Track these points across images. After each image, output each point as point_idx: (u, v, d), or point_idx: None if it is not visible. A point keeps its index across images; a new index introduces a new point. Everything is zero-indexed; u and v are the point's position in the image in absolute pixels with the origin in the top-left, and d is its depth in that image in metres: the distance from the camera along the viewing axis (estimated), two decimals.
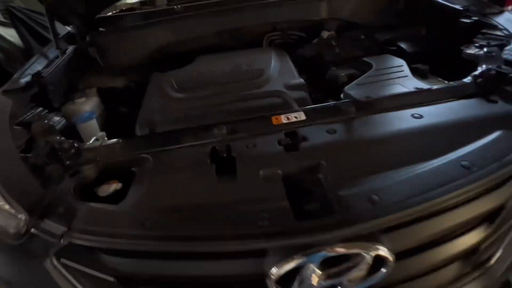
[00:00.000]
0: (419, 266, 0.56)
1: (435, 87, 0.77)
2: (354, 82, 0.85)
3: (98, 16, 1.17)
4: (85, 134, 0.88)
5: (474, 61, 0.86)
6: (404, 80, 0.83)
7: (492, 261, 0.63)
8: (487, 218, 0.57)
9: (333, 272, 0.48)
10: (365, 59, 1.02)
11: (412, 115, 0.67)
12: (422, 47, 1.11)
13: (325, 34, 1.27)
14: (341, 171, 0.56)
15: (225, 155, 0.65)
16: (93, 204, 0.56)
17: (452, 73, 0.96)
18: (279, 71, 1.01)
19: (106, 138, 0.79)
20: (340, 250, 0.46)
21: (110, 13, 1.21)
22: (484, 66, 0.79)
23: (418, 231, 0.52)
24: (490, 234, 0.58)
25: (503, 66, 0.76)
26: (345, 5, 1.27)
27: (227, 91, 0.92)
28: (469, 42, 0.98)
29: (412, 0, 1.22)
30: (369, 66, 0.95)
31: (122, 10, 1.23)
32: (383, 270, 0.49)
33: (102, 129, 0.91)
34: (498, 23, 0.93)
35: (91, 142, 0.75)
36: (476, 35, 0.98)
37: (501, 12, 0.98)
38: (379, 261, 0.48)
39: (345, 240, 0.46)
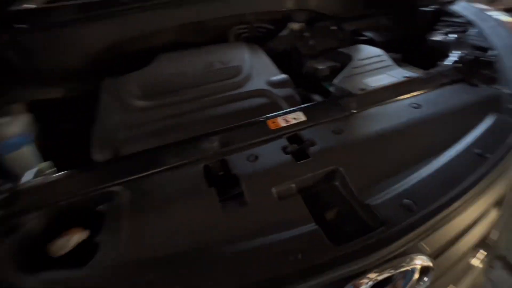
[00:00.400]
0: (449, 261, 0.53)
1: (422, 75, 0.76)
2: (341, 74, 0.80)
3: (14, 8, 0.89)
4: (18, 167, 0.65)
5: (440, 48, 0.89)
6: (390, 69, 0.81)
7: (495, 239, 0.65)
8: (498, 202, 0.58)
9: None
10: (342, 50, 0.99)
11: (411, 105, 0.65)
12: (389, 36, 1.13)
13: (294, 25, 1.21)
14: (360, 175, 0.50)
15: (222, 173, 0.54)
16: (46, 275, 0.39)
17: (419, 60, 1.00)
18: (257, 67, 0.91)
19: (54, 169, 0.59)
20: (390, 272, 0.40)
21: (34, 5, 0.94)
22: (456, 52, 0.82)
23: (451, 229, 0.49)
24: (499, 216, 0.59)
25: (471, 51, 0.80)
26: None
27: (203, 94, 0.78)
28: (431, 30, 1.03)
29: None
30: (348, 57, 0.92)
31: (50, 1, 0.96)
32: (426, 279, 0.45)
33: (44, 157, 0.69)
34: (455, 11, 0.98)
35: (30, 177, 0.55)
36: (436, 23, 1.03)
37: (454, 1, 1.04)
38: (422, 270, 0.44)
39: (390, 259, 0.40)
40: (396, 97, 0.67)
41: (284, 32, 1.21)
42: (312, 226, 0.42)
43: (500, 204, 0.58)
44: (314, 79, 0.97)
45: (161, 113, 0.72)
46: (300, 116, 0.63)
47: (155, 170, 0.53)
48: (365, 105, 0.65)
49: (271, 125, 0.61)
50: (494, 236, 0.65)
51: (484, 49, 0.80)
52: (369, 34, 1.17)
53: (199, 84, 0.82)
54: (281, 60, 1.08)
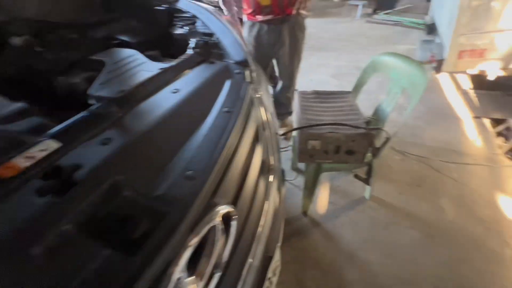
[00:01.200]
0: (246, 199, 0.67)
1: (174, 63, 0.85)
2: (95, 83, 0.73)
3: None
4: None
5: (183, 39, 1.05)
6: (145, 65, 0.84)
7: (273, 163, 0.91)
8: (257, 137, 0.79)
9: (202, 268, 0.45)
10: (93, 57, 0.90)
11: (171, 92, 0.71)
12: (142, 36, 1.17)
13: (17, 40, 0.94)
14: (143, 173, 0.49)
15: None
16: None
17: (173, 52, 1.12)
18: None
19: None
20: (195, 240, 0.43)
21: None
22: (193, 40, 0.99)
23: (233, 174, 0.60)
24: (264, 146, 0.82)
25: (203, 37, 0.99)
26: (28, 1, 0.98)
27: None
28: (172, 25, 1.17)
29: None
30: (101, 63, 0.86)
31: None
32: (233, 222, 0.53)
33: None
34: (181, 8, 1.17)
35: None
36: (173, 19, 1.19)
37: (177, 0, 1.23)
38: (225, 218, 0.52)
39: (194, 230, 0.43)
40: (156, 88, 0.71)
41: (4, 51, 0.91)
42: (103, 256, 0.36)
43: (258, 138, 0.80)
44: (73, 96, 0.83)
45: None
46: (52, 145, 0.51)
47: None
48: (128, 105, 0.63)
49: (4, 173, 0.44)
50: (272, 161, 0.91)
51: (210, 35, 1.01)
52: (123, 37, 1.14)
53: None
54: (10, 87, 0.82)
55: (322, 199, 1.76)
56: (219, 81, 0.79)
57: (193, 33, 1.04)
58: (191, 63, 0.86)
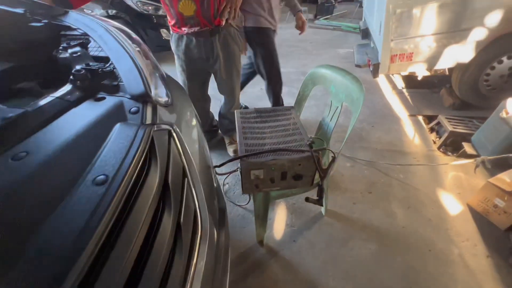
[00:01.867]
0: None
1: (32, 107, 0.59)
2: None
3: None
4: None
5: (68, 65, 0.79)
6: None
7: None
8: None
9: None
10: None
11: (12, 158, 0.47)
12: (15, 61, 0.87)
13: None
14: None
15: None
16: None
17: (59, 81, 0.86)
18: None
19: None
20: None
21: None
22: (76, 69, 0.75)
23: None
24: None
25: (91, 63, 0.76)
26: None
27: None
28: (55, 46, 0.91)
29: None
30: None
31: None
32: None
33: None
34: (71, 23, 0.91)
35: None
36: (59, 39, 0.92)
37: (66, 12, 0.96)
38: None
39: None
40: None
41: None
42: None
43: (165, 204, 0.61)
44: None
45: None
46: None
47: None
48: None
49: None
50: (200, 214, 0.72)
51: (104, 60, 0.78)
52: None
53: None
54: None
55: (278, 223, 1.63)
56: (102, 128, 0.57)
57: (81, 57, 0.80)
58: (65, 104, 0.62)
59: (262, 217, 1.34)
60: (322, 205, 1.39)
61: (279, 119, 1.37)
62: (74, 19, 0.93)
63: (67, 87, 0.67)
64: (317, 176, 1.20)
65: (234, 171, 1.19)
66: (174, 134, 0.66)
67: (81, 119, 0.59)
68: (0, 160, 0.46)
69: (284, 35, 5.44)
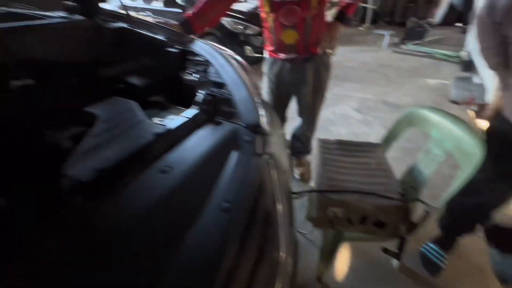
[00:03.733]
0: None
1: (172, 125, 0.71)
2: (76, 151, 0.60)
3: None
4: None
5: (192, 87, 0.93)
6: (140, 126, 0.71)
7: None
8: None
9: None
10: (87, 109, 0.79)
11: (162, 171, 0.57)
12: (150, 79, 1.07)
13: (16, 84, 0.86)
14: None
15: None
16: None
17: (181, 100, 1.01)
18: None
19: None
20: None
21: None
22: (201, 92, 0.87)
23: None
24: None
25: (213, 89, 0.87)
26: (27, 41, 0.92)
27: None
28: (183, 69, 1.07)
29: (119, 32, 1.13)
30: (93, 117, 0.75)
31: None
32: None
33: None
34: (197, 50, 1.07)
35: None
36: (185, 62, 1.09)
37: (193, 40, 1.13)
38: None
39: None
40: (145, 164, 0.57)
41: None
42: None
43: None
44: (54, 157, 0.72)
45: None
46: None
47: None
48: (101, 193, 0.49)
49: None
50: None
51: (221, 85, 0.89)
52: (130, 79, 1.05)
53: None
54: None
55: (342, 264, 1.51)
56: (222, 153, 0.64)
57: (203, 82, 0.93)
58: (193, 125, 0.72)
59: (329, 255, 1.27)
60: (399, 260, 1.23)
61: (363, 155, 1.29)
62: (199, 46, 1.09)
63: (195, 110, 0.78)
64: (401, 226, 1.08)
65: (307, 192, 1.16)
66: (275, 163, 0.70)
67: (204, 140, 0.68)
68: (151, 172, 0.56)
69: (364, 58, 5.21)
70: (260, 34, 4.16)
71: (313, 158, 1.76)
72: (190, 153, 0.62)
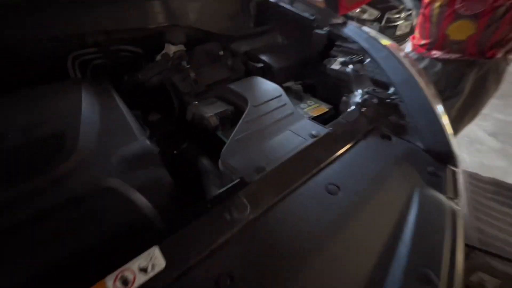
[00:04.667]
0: None
1: (331, 129, 0.58)
2: (232, 137, 0.55)
3: None
4: None
5: (340, 79, 0.78)
6: (293, 121, 0.61)
7: None
8: None
9: None
10: (234, 87, 0.75)
11: (328, 190, 0.45)
12: (286, 61, 0.97)
13: (170, 49, 0.90)
14: None
15: None
16: None
17: (321, 90, 0.87)
18: (102, 128, 0.56)
19: None
20: None
21: None
22: (359, 90, 0.70)
23: None
24: None
25: (375, 89, 0.69)
26: (189, 6, 0.93)
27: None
28: (326, 55, 0.92)
29: (264, 5, 1.05)
30: (241, 98, 0.69)
31: None
32: None
33: None
34: (349, 35, 0.89)
35: None
36: (331, 48, 0.93)
37: (345, 23, 0.95)
38: None
39: None
40: (304, 176, 0.47)
41: (157, 60, 0.88)
42: None
43: None
44: (204, 130, 0.70)
45: None
46: (158, 261, 0.33)
47: None
48: (262, 202, 0.42)
49: None
50: None
51: (386, 87, 0.70)
52: (264, 57, 0.97)
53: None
54: (156, 101, 0.76)
55: None
56: (401, 184, 0.49)
57: (359, 76, 0.75)
58: (355, 133, 0.58)
59: None
60: None
61: None
62: (353, 31, 0.90)
63: (354, 114, 0.62)
64: None
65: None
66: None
67: (372, 158, 0.53)
68: (315, 187, 0.45)
69: None
70: (379, 19, 3.59)
71: None
72: (357, 172, 0.49)
